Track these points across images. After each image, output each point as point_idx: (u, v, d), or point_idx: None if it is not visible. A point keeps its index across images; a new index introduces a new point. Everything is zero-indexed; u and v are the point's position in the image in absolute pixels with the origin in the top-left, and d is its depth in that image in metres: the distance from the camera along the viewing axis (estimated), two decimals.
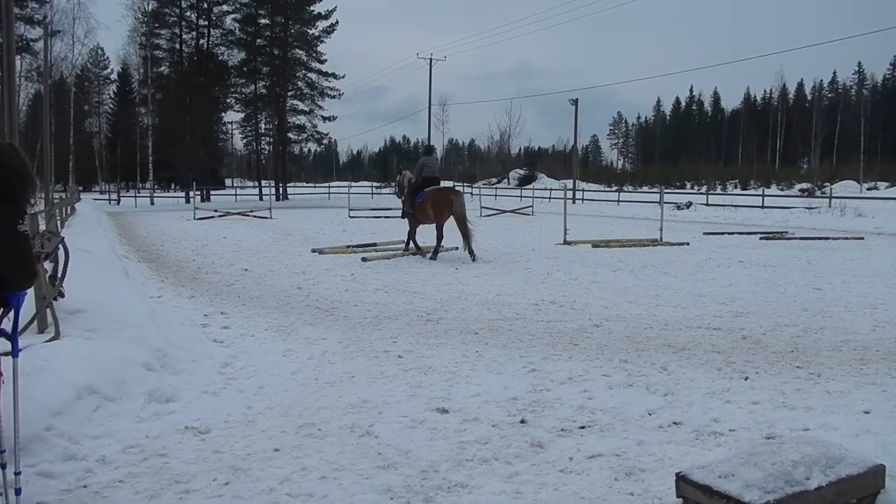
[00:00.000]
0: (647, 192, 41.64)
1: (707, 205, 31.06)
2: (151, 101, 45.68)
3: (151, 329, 5.69)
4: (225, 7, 47.13)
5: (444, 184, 14.55)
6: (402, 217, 14.18)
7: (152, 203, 41.59)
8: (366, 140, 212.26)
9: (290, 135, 48.91)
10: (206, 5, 46.10)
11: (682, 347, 6.09)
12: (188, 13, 46.16)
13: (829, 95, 73.46)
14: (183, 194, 43.53)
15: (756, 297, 8.65)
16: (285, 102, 47.77)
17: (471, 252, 12.59)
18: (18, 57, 31.03)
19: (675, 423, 4.20)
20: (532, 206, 30.17)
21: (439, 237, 13.04)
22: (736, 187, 48.77)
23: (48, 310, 5.20)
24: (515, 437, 4.00)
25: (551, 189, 41.52)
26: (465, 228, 12.61)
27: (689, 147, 75.52)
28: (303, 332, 6.80)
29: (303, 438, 4.00)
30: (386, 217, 25.96)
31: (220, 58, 47.71)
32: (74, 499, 3.25)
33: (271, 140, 50.82)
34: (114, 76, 62.08)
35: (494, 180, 58.82)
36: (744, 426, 4.12)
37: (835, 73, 75.85)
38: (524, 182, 54.78)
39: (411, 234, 13.69)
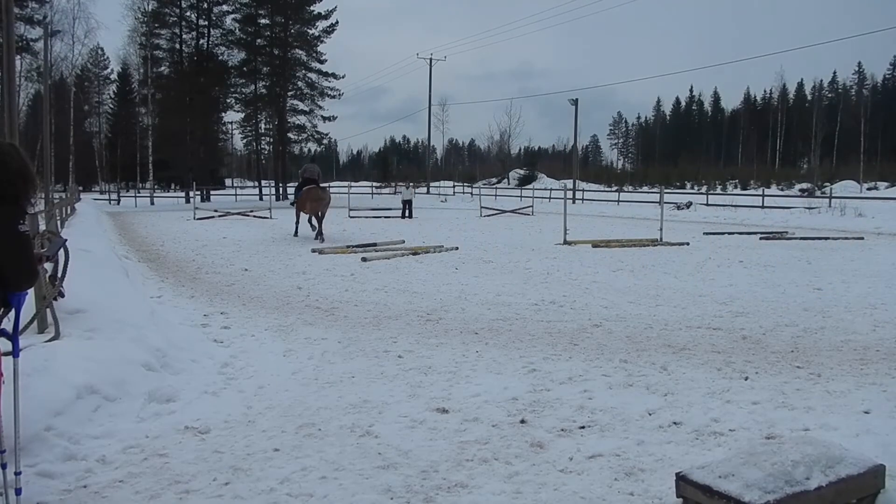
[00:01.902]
0: (647, 192, 41.61)
1: (707, 205, 31.06)
2: (151, 101, 45.64)
3: (151, 329, 5.69)
4: (225, 7, 47.08)
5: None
6: (292, 205, 19.07)
7: (152, 203, 41.55)
8: (366, 140, 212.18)
9: (290, 135, 48.85)
10: (206, 5, 46.04)
11: (682, 347, 6.09)
12: (188, 13, 46.10)
13: (829, 95, 73.40)
14: (183, 194, 43.48)
15: (756, 297, 8.65)
16: (285, 102, 47.72)
17: (319, 233, 16.96)
18: (18, 57, 31.05)
19: (675, 423, 4.20)
20: (532, 206, 30.18)
21: (318, 224, 17.14)
22: (736, 187, 48.74)
23: (48, 310, 5.20)
24: (515, 437, 4.00)
25: (551, 189, 41.50)
26: (322, 216, 17.22)
27: (689, 147, 75.45)
28: (303, 332, 6.80)
29: (303, 438, 4.00)
30: (386, 217, 25.99)
31: (220, 58, 47.63)
32: (74, 499, 3.25)
33: (271, 140, 50.78)
34: (114, 76, 62.04)
35: (494, 180, 58.80)
36: (744, 426, 4.12)
37: (835, 73, 75.83)
38: (524, 182, 54.77)
39: (296, 221, 18.16)
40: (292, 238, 17.65)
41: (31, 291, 4.58)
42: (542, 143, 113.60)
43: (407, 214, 26.61)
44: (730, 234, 18.53)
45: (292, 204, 18.97)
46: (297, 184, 19.36)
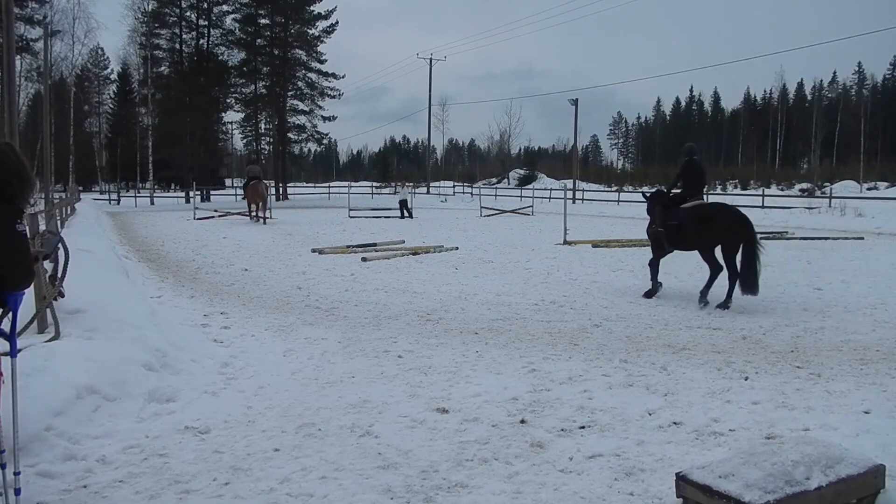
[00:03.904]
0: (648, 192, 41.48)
1: None
2: (151, 101, 45.59)
3: (151, 329, 5.69)
4: (225, 7, 47.00)
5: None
6: (242, 199, 26.93)
7: (152, 203, 41.49)
8: (366, 140, 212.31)
9: (290, 135, 48.80)
10: (206, 5, 45.99)
11: (682, 347, 6.09)
12: (188, 13, 46.03)
13: (829, 95, 73.32)
14: (183, 194, 43.47)
15: (756, 297, 8.64)
16: (285, 102, 47.67)
17: (264, 218, 23.15)
18: (18, 57, 31.00)
19: (675, 423, 4.20)
20: (532, 206, 30.15)
21: (258, 210, 23.45)
22: (736, 187, 48.71)
23: (48, 310, 5.20)
24: (515, 437, 4.00)
25: (551, 189, 41.47)
26: (264, 203, 23.45)
27: None
28: (303, 332, 6.80)
29: (303, 438, 4.00)
30: (386, 217, 25.98)
31: (220, 58, 47.57)
32: (74, 499, 3.25)
33: (271, 140, 50.76)
34: (114, 76, 62.03)
35: (494, 180, 58.79)
36: (744, 426, 4.12)
37: (835, 73, 75.72)
38: (524, 182, 54.76)
39: (248, 210, 24.15)
40: (293, 238, 17.77)
41: (30, 291, 4.58)
42: (542, 143, 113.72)
43: (406, 214, 26.44)
44: None
45: (243, 198, 26.60)
46: (244, 181, 26.35)
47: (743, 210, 8.74)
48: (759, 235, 8.26)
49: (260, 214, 23.32)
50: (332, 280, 10.33)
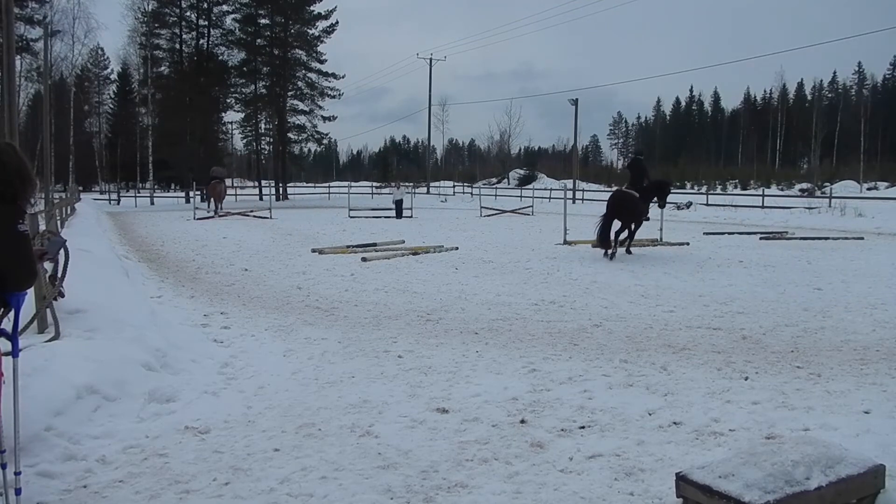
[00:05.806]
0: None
1: (707, 205, 31.03)
2: (151, 101, 45.57)
3: (151, 329, 5.70)
4: (225, 7, 46.97)
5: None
6: (207, 195, 30.99)
7: (152, 203, 41.49)
8: (366, 140, 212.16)
9: (290, 135, 48.78)
10: (206, 5, 45.96)
11: (682, 347, 6.09)
12: (188, 13, 46.01)
13: (829, 95, 73.34)
14: (183, 194, 43.47)
15: (756, 297, 8.65)
16: (285, 102, 47.65)
17: (217, 212, 27.16)
18: (18, 57, 30.97)
19: (675, 423, 4.20)
20: (532, 206, 30.15)
21: (215, 205, 28.23)
22: (736, 187, 48.65)
23: (48, 310, 5.20)
24: (515, 437, 4.00)
25: (551, 189, 41.48)
26: (220, 200, 28.36)
27: (689, 147, 75.40)
28: (303, 332, 6.80)
29: (303, 438, 4.00)
30: (386, 217, 25.98)
31: (220, 58, 47.55)
32: (74, 499, 3.25)
33: (271, 140, 50.74)
34: (114, 76, 61.96)
35: (494, 180, 58.76)
36: (744, 426, 4.12)
37: (835, 73, 75.80)
38: (524, 182, 54.72)
39: (209, 205, 29.26)
40: (293, 238, 17.80)
41: (30, 291, 4.58)
42: (542, 143, 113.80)
43: (397, 214, 26.30)
44: (730, 234, 18.53)
45: (206, 193, 31.84)
46: (208, 181, 30.93)
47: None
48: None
49: (216, 210, 27.87)
50: (332, 280, 10.33)
